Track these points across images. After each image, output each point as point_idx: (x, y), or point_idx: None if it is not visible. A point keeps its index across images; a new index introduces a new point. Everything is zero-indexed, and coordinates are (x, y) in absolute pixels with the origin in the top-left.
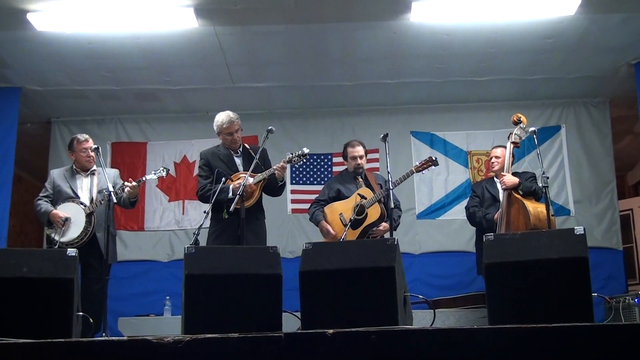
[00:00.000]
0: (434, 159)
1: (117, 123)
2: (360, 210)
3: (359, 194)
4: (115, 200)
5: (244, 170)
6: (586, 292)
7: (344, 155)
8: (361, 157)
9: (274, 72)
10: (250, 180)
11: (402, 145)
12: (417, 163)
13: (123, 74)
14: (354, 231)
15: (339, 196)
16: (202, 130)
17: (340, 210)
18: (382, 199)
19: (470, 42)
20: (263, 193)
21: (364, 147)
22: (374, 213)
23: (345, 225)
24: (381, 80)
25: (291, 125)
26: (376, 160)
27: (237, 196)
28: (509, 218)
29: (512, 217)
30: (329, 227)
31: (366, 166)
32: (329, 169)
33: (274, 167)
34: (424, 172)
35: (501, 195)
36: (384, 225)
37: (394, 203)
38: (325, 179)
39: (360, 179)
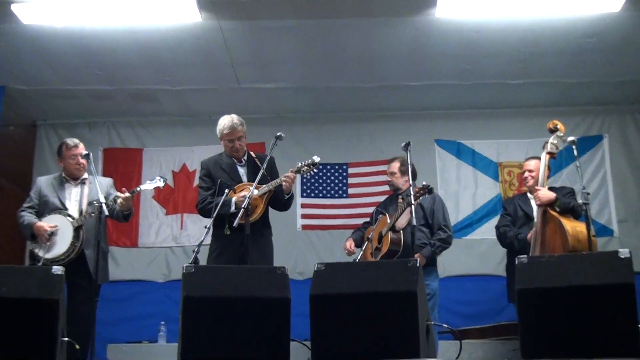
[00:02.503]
0: (429, 187)
1: (110, 127)
2: (380, 238)
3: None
4: (107, 213)
5: (248, 181)
6: (632, 323)
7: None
8: (392, 174)
9: (284, 72)
10: (256, 192)
11: (426, 155)
12: (412, 191)
13: (118, 72)
14: (374, 260)
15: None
16: (204, 135)
17: (372, 235)
18: (396, 219)
19: (503, 40)
20: (269, 207)
21: (401, 162)
22: (385, 242)
23: (371, 254)
24: (403, 82)
25: (302, 131)
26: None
27: (241, 210)
28: (544, 238)
29: (548, 238)
30: (350, 245)
31: (399, 182)
32: (344, 181)
33: (281, 177)
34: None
35: (535, 212)
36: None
37: (437, 224)
38: (340, 192)
39: (401, 200)
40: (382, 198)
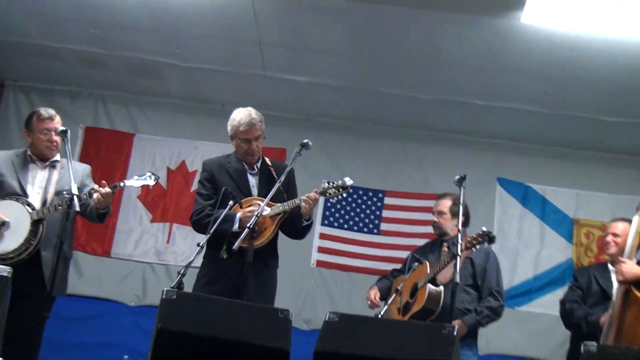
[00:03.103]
0: (490, 234)
1: (97, 101)
2: (414, 290)
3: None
4: (78, 208)
5: (258, 195)
6: None
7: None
8: (440, 214)
9: (322, 64)
10: (267, 210)
11: (483, 195)
12: (460, 240)
13: (116, 35)
14: (402, 318)
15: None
16: (213, 129)
17: (404, 286)
18: (439, 270)
19: (603, 65)
20: (280, 231)
21: (454, 201)
22: (420, 297)
23: (399, 310)
24: (467, 99)
25: (334, 142)
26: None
27: (246, 230)
28: (622, 324)
29: (628, 324)
30: (374, 296)
31: (448, 226)
32: (377, 213)
33: (302, 197)
34: (475, 248)
35: (615, 290)
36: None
37: (488, 288)
38: (370, 226)
39: (446, 248)
40: (421, 241)
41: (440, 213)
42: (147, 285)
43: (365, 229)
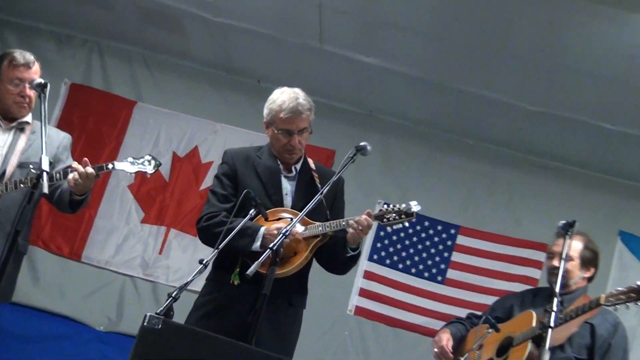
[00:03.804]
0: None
1: (92, 51)
2: (505, 345)
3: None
4: (45, 190)
5: (292, 207)
6: None
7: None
8: (570, 260)
9: (399, 43)
10: (300, 229)
11: (600, 248)
12: (614, 292)
13: None
14: None
15: (510, 318)
16: (242, 110)
17: (489, 338)
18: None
19: None
20: (315, 260)
21: (585, 244)
22: (514, 357)
23: None
24: (593, 120)
25: (401, 151)
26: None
27: (268, 251)
28: None
29: None
30: (447, 342)
31: (575, 276)
32: (446, 255)
33: (350, 219)
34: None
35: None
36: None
37: None
38: (434, 270)
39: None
40: (492, 299)
41: (568, 258)
42: (125, 305)
43: (426, 274)
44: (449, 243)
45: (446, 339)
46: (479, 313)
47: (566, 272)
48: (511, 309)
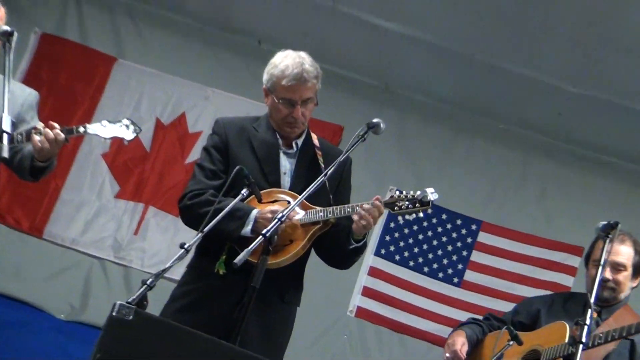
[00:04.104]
0: None
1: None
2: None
3: None
4: (5, 154)
5: (290, 189)
6: None
7: (587, 253)
8: (617, 268)
9: (423, 6)
10: (299, 214)
11: None
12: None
13: None
14: None
15: (535, 324)
16: (239, 74)
17: (511, 349)
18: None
19: None
20: (313, 251)
21: (637, 250)
22: None
23: None
24: None
25: (419, 132)
26: None
27: (261, 238)
28: None
29: None
30: (461, 347)
31: (624, 287)
32: (465, 253)
33: (357, 205)
34: None
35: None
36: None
37: None
38: (450, 271)
39: (595, 314)
40: (509, 306)
41: (618, 267)
42: (91, 292)
43: (441, 275)
44: (469, 240)
45: (461, 343)
46: (503, 316)
47: (617, 284)
48: (537, 315)
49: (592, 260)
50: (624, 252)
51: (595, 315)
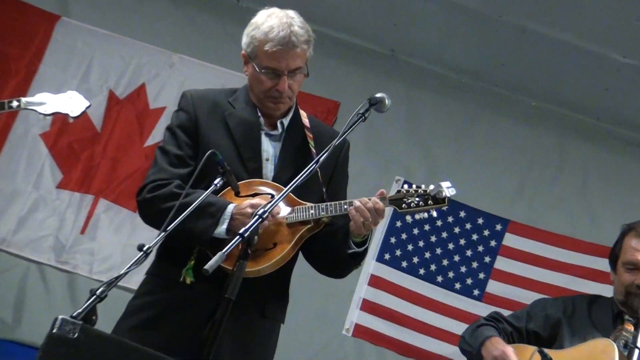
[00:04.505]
0: None
1: None
2: None
3: None
4: None
5: (274, 179)
6: None
7: (614, 253)
8: None
9: None
10: (285, 212)
11: None
12: None
13: None
14: None
15: (555, 337)
16: (212, 38)
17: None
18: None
19: None
20: (302, 256)
21: None
22: None
23: None
24: None
25: (434, 109)
26: None
27: (238, 239)
28: None
29: None
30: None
31: None
32: (488, 260)
33: (356, 200)
34: None
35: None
36: None
37: None
38: (470, 282)
39: (629, 326)
40: None
41: None
42: (26, 303)
43: (458, 286)
44: (493, 244)
45: (512, 354)
46: (509, 317)
47: None
48: (557, 326)
49: (623, 262)
50: None
51: (631, 328)
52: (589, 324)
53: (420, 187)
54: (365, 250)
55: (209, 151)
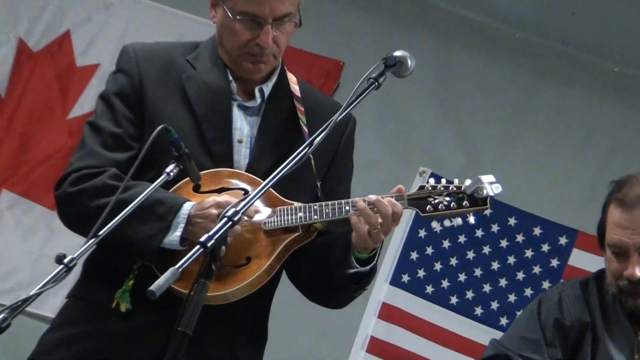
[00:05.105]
0: None
1: None
2: None
3: None
4: None
5: (248, 170)
6: None
7: (600, 228)
8: None
9: None
10: (263, 215)
11: None
12: None
13: None
14: None
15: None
16: None
17: None
18: None
19: None
20: (286, 275)
21: None
22: None
23: None
24: None
25: (474, 75)
26: None
27: (197, 250)
28: None
29: None
30: None
31: None
32: (553, 277)
33: (361, 200)
34: None
35: None
36: None
37: None
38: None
39: None
40: None
41: None
42: None
43: (506, 322)
44: (555, 263)
45: None
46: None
47: None
48: (579, 343)
49: (608, 244)
50: None
51: None
52: (619, 330)
53: (452, 183)
54: (373, 270)
55: (159, 127)
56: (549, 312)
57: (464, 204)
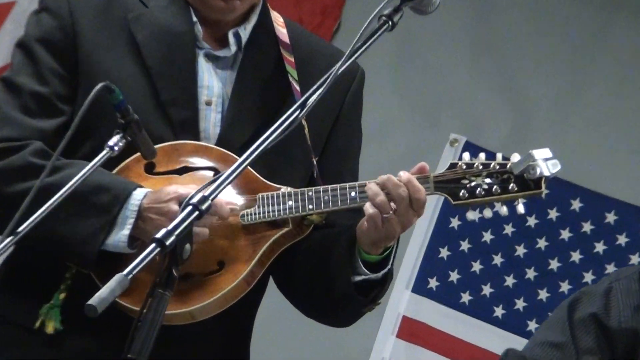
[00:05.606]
0: None
1: None
2: None
3: None
4: None
5: (219, 144)
6: None
7: None
8: None
9: None
10: (239, 203)
11: None
12: None
13: None
14: None
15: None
16: None
17: None
18: None
19: None
20: (273, 282)
21: None
22: None
23: None
24: None
25: (521, 22)
26: None
27: (154, 250)
28: None
29: None
30: None
31: None
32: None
33: (373, 182)
34: None
35: None
36: None
37: None
38: None
39: None
40: None
41: None
42: None
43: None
44: (636, 259)
45: None
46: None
47: None
48: (630, 352)
49: None
50: None
51: None
52: None
53: (494, 158)
54: (388, 278)
55: (99, 85)
56: (587, 308)
57: (510, 187)
